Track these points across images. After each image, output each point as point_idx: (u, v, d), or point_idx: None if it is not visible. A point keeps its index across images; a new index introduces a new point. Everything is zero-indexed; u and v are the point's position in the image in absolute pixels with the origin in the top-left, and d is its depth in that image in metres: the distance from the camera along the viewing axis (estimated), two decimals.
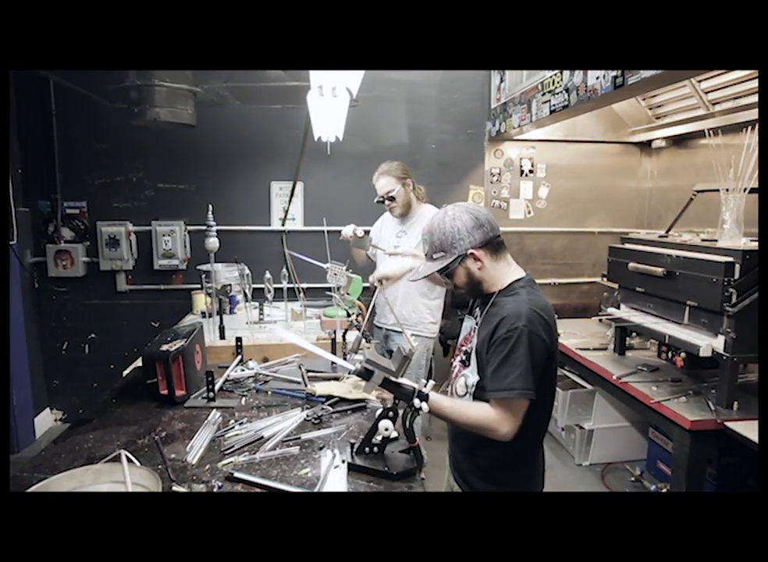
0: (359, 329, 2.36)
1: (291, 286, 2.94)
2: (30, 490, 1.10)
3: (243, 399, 1.95)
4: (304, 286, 3.38)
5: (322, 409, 1.81)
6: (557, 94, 2.99)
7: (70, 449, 1.55)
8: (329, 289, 2.67)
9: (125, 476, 1.14)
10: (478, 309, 1.59)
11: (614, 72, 2.41)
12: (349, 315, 2.64)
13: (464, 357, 1.58)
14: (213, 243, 2.63)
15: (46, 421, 3.99)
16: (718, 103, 3.09)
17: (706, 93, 3.10)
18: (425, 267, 1.53)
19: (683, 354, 2.49)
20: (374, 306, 2.60)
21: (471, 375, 1.50)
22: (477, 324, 1.54)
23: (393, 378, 1.37)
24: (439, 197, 2.72)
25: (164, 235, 3.86)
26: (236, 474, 1.37)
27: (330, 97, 2.17)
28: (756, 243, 2.15)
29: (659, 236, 2.76)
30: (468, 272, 1.49)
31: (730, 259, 2.09)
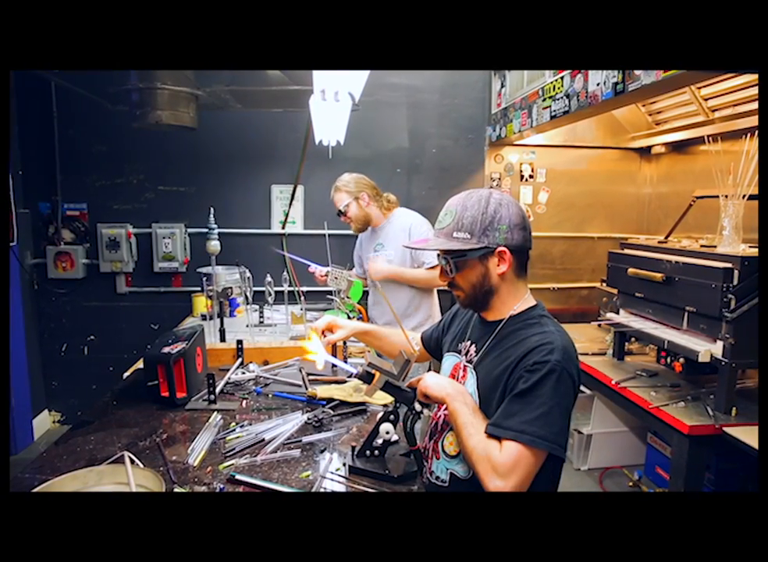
0: None
1: (291, 289, 2.95)
2: (34, 491, 1.11)
3: (244, 401, 1.95)
4: (304, 289, 3.38)
5: (323, 412, 1.81)
6: (558, 99, 3.01)
7: (71, 450, 1.55)
8: (330, 292, 2.68)
9: (128, 478, 1.14)
10: (467, 343, 1.38)
11: (615, 79, 2.42)
12: (350, 318, 2.65)
13: None
14: (215, 245, 2.64)
15: (44, 423, 3.99)
16: (718, 110, 3.11)
17: (706, 99, 3.12)
18: (435, 242, 1.26)
19: (682, 360, 2.50)
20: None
21: None
22: (470, 361, 1.34)
23: (395, 382, 1.37)
24: (439, 201, 2.70)
25: (164, 237, 3.87)
26: (238, 477, 1.37)
27: (332, 102, 2.18)
28: (755, 250, 2.17)
29: (659, 242, 2.77)
30: (486, 272, 1.24)
31: (729, 265, 2.11)
